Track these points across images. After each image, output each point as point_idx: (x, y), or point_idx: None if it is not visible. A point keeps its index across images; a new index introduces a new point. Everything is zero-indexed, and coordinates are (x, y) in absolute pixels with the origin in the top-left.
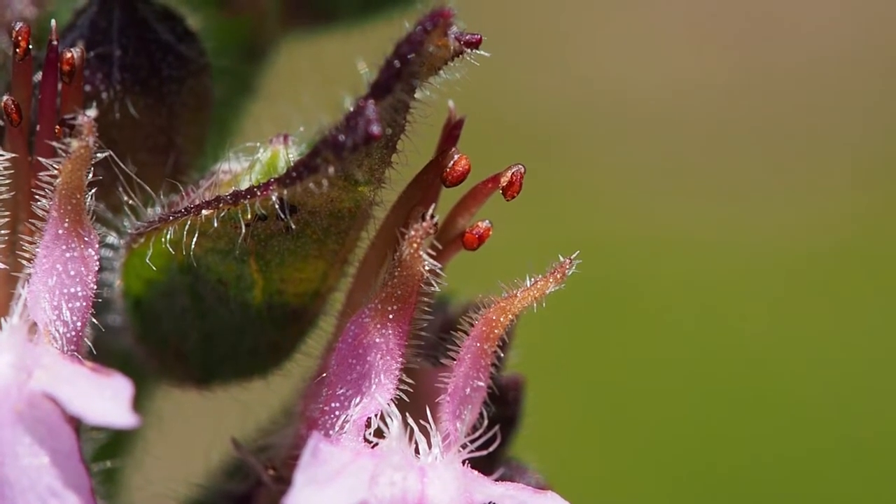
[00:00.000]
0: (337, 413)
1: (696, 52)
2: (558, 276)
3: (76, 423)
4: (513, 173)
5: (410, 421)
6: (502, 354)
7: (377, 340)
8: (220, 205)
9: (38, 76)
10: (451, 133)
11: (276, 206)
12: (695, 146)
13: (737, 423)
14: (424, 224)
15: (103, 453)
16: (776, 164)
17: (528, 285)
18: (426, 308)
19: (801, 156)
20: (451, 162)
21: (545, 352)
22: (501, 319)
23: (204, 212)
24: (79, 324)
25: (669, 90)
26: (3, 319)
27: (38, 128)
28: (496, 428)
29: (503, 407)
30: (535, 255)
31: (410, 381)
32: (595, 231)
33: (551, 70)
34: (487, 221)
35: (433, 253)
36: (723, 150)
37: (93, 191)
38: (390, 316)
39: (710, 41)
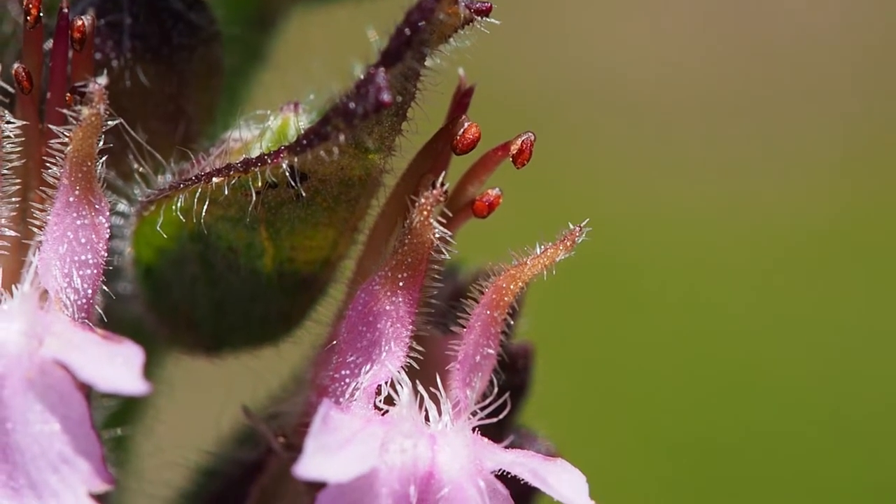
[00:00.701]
0: (347, 381)
1: (691, 32)
2: (568, 243)
3: (87, 391)
4: (523, 141)
5: (420, 388)
6: (512, 322)
7: (387, 308)
8: (231, 172)
9: (49, 44)
10: (461, 101)
11: (287, 174)
12: (688, 125)
13: (726, 399)
14: (434, 192)
15: (114, 421)
16: (768, 144)
17: (538, 253)
18: (436, 276)
19: (792, 135)
20: (462, 130)
21: (536, 329)
22: (511, 287)
23: (214, 179)
24: (89, 291)
25: (663, 69)
26: (13, 287)
27: (48, 95)
28: (506, 396)
29: (513, 375)
30: (529, 231)
31: (420, 348)
32: (588, 208)
33: (545, 49)
34: (497, 189)
35: (443, 221)
36: (715, 129)
37: (103, 158)
38: (400, 283)
39: (706, 21)
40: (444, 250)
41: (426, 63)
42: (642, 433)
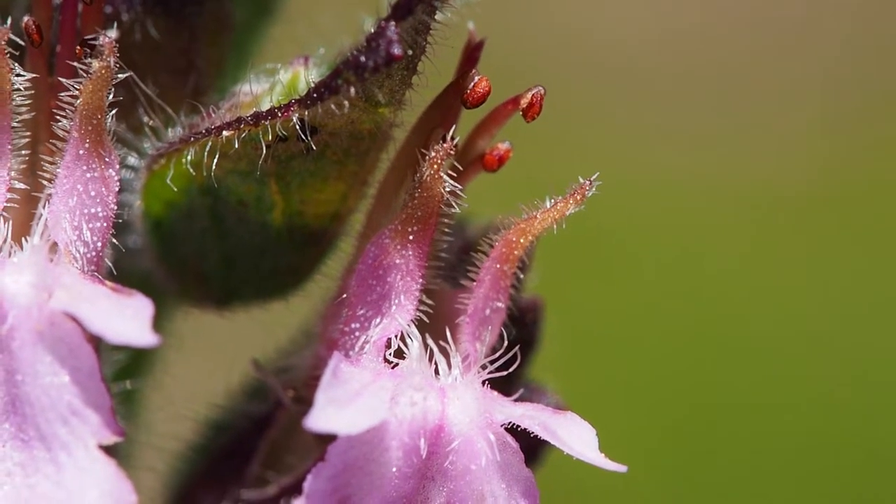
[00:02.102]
0: (357, 334)
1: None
2: (578, 197)
3: (96, 343)
4: (533, 94)
5: (430, 342)
6: (522, 276)
7: (397, 261)
8: (241, 126)
9: None
10: (472, 55)
11: (297, 127)
12: (667, 92)
13: (709, 364)
14: (445, 145)
15: (123, 374)
16: (747, 109)
17: (548, 206)
18: (446, 229)
19: (771, 99)
20: (472, 83)
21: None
22: (521, 241)
23: (225, 133)
24: (99, 244)
25: (644, 36)
26: (23, 239)
27: (58, 49)
28: (515, 350)
29: (522, 328)
30: (509, 196)
31: (430, 302)
32: (570, 175)
33: (527, 15)
34: (507, 143)
35: (453, 174)
36: (694, 95)
37: (113, 112)
38: (410, 237)
39: None
40: (454, 204)
41: (437, 17)
42: (623, 397)
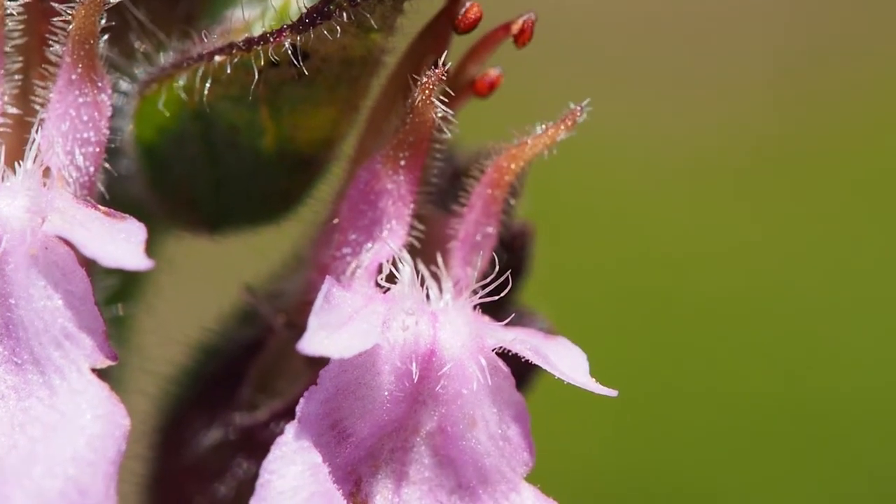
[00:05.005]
0: (348, 259)
1: None
2: (569, 122)
3: (89, 267)
4: (524, 21)
5: (422, 267)
6: (512, 202)
7: (388, 186)
8: (233, 51)
9: None
10: None
11: (289, 53)
12: (615, 41)
13: (654, 323)
14: (436, 71)
15: (115, 298)
16: (699, 59)
17: (539, 132)
18: (437, 155)
19: (722, 52)
20: (463, 9)
21: None
22: (512, 166)
23: (216, 58)
24: (92, 169)
25: None
26: (16, 164)
27: None
28: (507, 275)
29: (512, 254)
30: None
31: (422, 227)
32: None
33: None
34: (499, 69)
35: (445, 100)
36: (643, 44)
37: (105, 37)
38: (402, 162)
39: None
40: (445, 129)
41: None
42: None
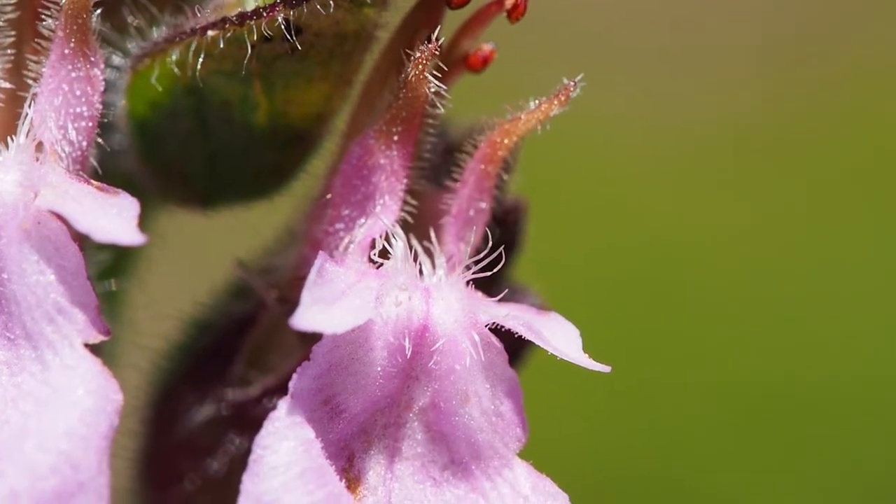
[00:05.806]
0: (341, 234)
1: None
2: (563, 97)
3: (81, 242)
4: None
5: (415, 242)
6: (506, 177)
7: (381, 162)
8: (226, 26)
9: None
10: None
11: (282, 28)
12: (604, 29)
13: (643, 311)
14: (430, 46)
15: (108, 273)
16: (689, 46)
17: (533, 108)
18: (431, 130)
19: (709, 37)
20: None
21: None
22: (505, 142)
23: (210, 33)
24: (84, 143)
25: None
26: (9, 138)
27: None
28: (500, 251)
29: (505, 229)
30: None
31: (414, 202)
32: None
33: None
34: (492, 44)
35: (438, 75)
36: (632, 31)
37: (98, 11)
38: (395, 137)
39: None
40: (438, 105)
41: None
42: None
